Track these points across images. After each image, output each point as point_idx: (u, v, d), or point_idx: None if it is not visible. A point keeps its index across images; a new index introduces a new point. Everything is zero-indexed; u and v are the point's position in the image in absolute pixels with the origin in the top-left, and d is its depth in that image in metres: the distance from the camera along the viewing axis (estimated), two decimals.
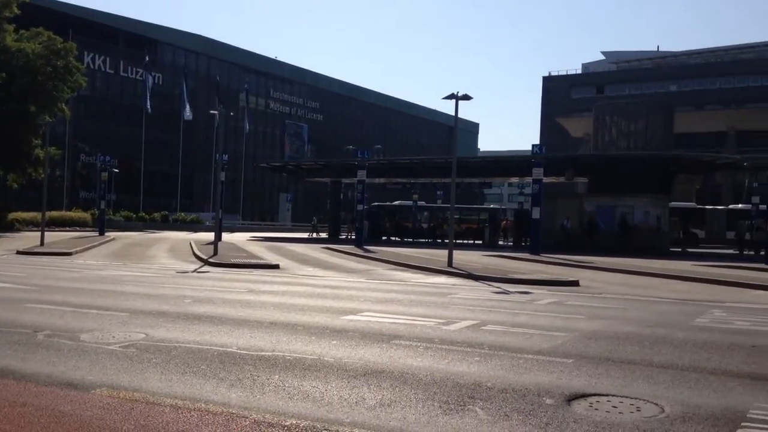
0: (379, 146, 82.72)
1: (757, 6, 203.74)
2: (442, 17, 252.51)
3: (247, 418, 5.11)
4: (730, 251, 38.58)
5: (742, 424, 5.19)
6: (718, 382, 6.59)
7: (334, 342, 8.42)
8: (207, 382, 6.28)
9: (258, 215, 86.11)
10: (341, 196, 55.41)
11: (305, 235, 55.90)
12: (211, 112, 38.43)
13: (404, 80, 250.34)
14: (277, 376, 6.53)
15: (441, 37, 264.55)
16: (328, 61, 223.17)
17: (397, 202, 55.55)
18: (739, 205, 50.68)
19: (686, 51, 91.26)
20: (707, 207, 51.64)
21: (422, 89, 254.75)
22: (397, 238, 48.42)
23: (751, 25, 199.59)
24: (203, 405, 5.43)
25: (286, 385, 6.22)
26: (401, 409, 5.52)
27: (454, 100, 21.77)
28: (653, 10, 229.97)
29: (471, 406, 5.60)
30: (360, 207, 35.78)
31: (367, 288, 15.87)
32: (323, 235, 53.91)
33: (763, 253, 28.66)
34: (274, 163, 63.04)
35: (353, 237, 39.67)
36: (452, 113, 22.57)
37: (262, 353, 7.58)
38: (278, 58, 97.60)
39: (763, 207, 37.32)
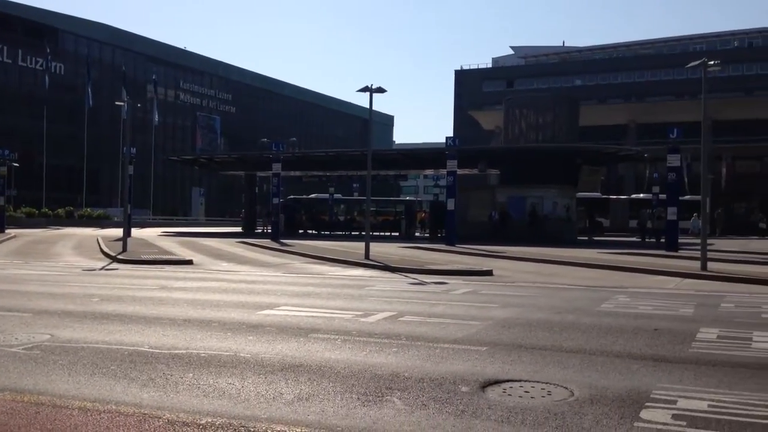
0: (294, 139, 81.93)
1: (654, 3, 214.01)
2: (356, 10, 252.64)
3: (160, 418, 4.96)
4: (633, 239, 40.46)
5: (646, 404, 5.44)
6: (623, 365, 6.89)
7: (251, 337, 8.30)
8: (117, 382, 6.07)
9: (170, 210, 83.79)
10: (256, 190, 54.63)
11: (225, 229, 54.82)
12: (117, 103, 37.02)
13: (319, 73, 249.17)
14: (191, 374, 6.37)
15: (355, 30, 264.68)
16: (241, 53, 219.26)
17: (313, 195, 55.27)
18: (641, 195, 53.27)
19: (590, 47, 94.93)
20: (611, 197, 54.00)
21: (337, 82, 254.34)
22: (313, 232, 48.20)
23: (649, 22, 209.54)
24: (114, 406, 5.24)
25: (201, 383, 6.09)
26: (319, 402, 5.50)
27: (368, 93, 21.81)
28: (559, 5, 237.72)
29: (389, 397, 5.64)
30: (275, 200, 35.39)
31: (283, 282, 15.73)
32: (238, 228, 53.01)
33: (663, 240, 30.17)
34: (185, 156, 61.43)
35: (269, 231, 39.20)
36: (367, 106, 22.62)
37: (176, 351, 7.38)
38: (188, 49, 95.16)
39: (662, 196, 39.26)
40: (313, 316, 10.03)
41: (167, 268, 19.19)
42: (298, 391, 5.81)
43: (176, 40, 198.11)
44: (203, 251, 26.43)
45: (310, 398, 5.61)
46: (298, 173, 50.27)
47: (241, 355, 7.23)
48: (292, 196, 56.45)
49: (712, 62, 18.29)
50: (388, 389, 5.88)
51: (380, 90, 21.79)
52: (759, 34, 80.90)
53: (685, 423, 4.99)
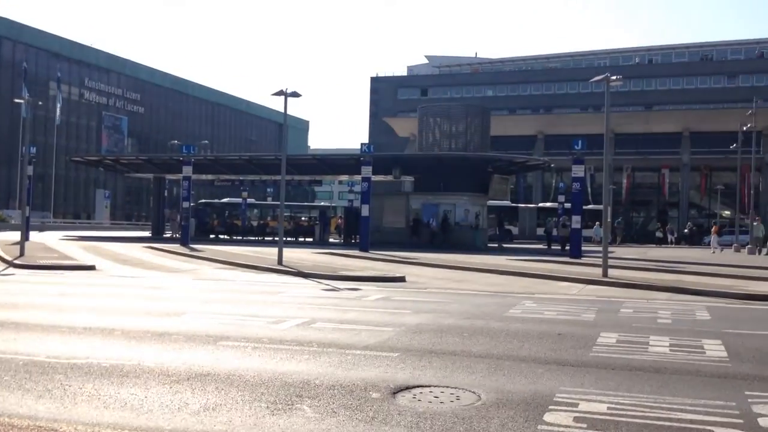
0: (206, 141, 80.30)
1: (562, 18, 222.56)
2: (272, 14, 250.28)
3: (56, 430, 4.72)
4: (540, 246, 41.77)
5: (549, 407, 5.62)
6: (529, 369, 7.09)
7: (156, 346, 8.04)
8: (11, 393, 5.74)
9: (72, 213, 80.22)
10: (165, 193, 53.08)
11: (132, 234, 52.92)
12: (16, 100, 35.17)
13: (233, 76, 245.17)
14: (91, 385, 6.11)
15: (271, 33, 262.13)
16: (151, 52, 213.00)
17: (225, 200, 54.21)
18: (548, 204, 55.12)
19: (501, 58, 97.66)
20: (520, 205, 55.60)
21: (252, 85, 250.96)
22: (226, 237, 47.24)
23: (557, 36, 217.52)
24: (6, 419, 4.95)
25: (102, 393, 5.84)
26: (227, 412, 5.38)
27: (283, 97, 21.61)
28: (473, 17, 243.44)
29: (299, 405, 5.58)
30: (186, 204, 34.47)
31: (192, 288, 15.34)
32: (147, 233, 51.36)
33: (567, 247, 31.28)
34: (89, 157, 58.95)
35: (179, 236, 38.15)
36: (282, 110, 22.40)
37: (75, 361, 7.06)
38: (94, 46, 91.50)
39: (568, 205, 40.76)
40: (223, 323, 9.82)
41: (68, 273, 18.34)
42: (204, 401, 5.67)
43: (82, 37, 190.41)
44: (107, 256, 25.42)
45: (217, 408, 5.48)
46: (210, 177, 49.15)
47: (146, 364, 6.99)
48: (203, 200, 55.18)
49: (614, 77, 19.13)
50: (299, 397, 5.82)
51: (295, 94, 21.64)
52: (659, 50, 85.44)
53: (585, 425, 5.17)
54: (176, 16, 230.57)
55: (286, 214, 47.57)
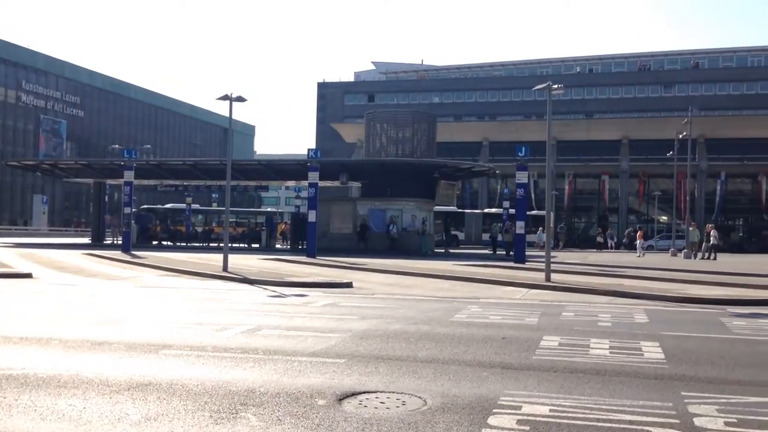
0: (149, 146, 78.75)
1: (506, 26, 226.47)
2: (220, 16, 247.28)
3: None
4: (486, 251, 42.30)
5: (494, 411, 5.69)
6: (474, 373, 7.17)
7: (95, 355, 7.83)
8: None
9: (8, 219, 77.48)
10: (106, 199, 51.79)
11: (71, 240, 51.36)
12: None
13: (177, 79, 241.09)
14: (27, 396, 5.90)
15: (219, 37, 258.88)
16: (91, 54, 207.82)
17: (169, 205, 53.22)
18: (493, 209, 55.91)
19: (447, 66, 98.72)
20: (466, 211, 56.24)
21: (197, 89, 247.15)
22: (169, 243, 46.35)
23: (501, 44, 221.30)
24: None
25: (38, 404, 5.65)
26: (169, 422, 5.27)
27: (228, 101, 21.36)
28: (419, 24, 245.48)
29: (243, 414, 5.52)
30: (127, 210, 33.69)
31: (133, 296, 14.99)
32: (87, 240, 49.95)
33: (512, 252, 31.74)
34: (26, 162, 57.03)
35: (120, 242, 37.23)
36: (227, 114, 22.14)
37: (11, 372, 6.82)
38: (31, 47, 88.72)
39: (512, 211, 41.41)
40: (165, 332, 9.63)
41: (2, 282, 17.69)
42: (145, 411, 5.54)
43: (18, 38, 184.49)
44: (45, 263, 24.64)
45: (158, 418, 5.37)
46: (152, 182, 48.18)
47: (84, 374, 6.80)
48: (146, 206, 54.04)
49: (556, 86, 19.55)
50: (243, 405, 5.75)
51: (240, 99, 21.42)
52: (599, 60, 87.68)
53: (528, 428, 5.26)
54: (118, 18, 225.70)
55: (231, 220, 47.00)
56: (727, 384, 6.87)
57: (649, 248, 54.86)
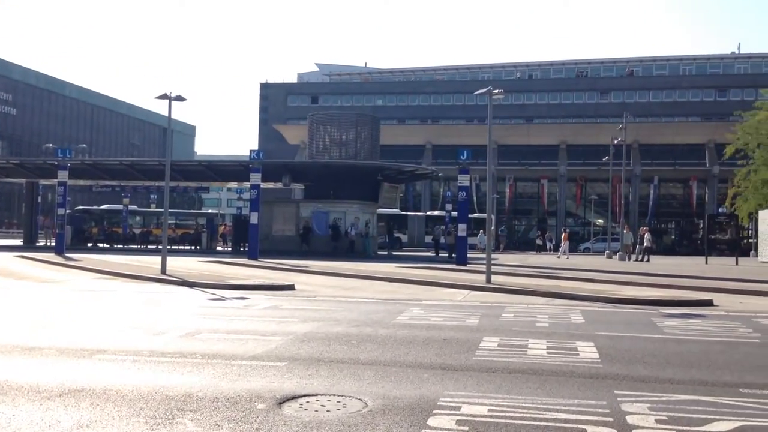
0: (84, 145, 76.47)
1: (449, 30, 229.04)
2: (159, 13, 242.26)
3: None
4: (428, 253, 42.63)
5: (433, 412, 5.74)
6: (415, 375, 7.21)
7: (26, 361, 7.56)
8: None
9: None
10: (39, 199, 50.06)
11: (1, 242, 49.44)
12: None
13: (116, 78, 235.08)
14: None
15: (158, 35, 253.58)
16: (23, 50, 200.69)
17: (105, 206, 51.83)
18: (435, 212, 56.42)
19: (390, 69, 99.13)
20: (409, 213, 56.59)
21: (136, 88, 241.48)
22: (106, 245, 45.14)
23: (444, 48, 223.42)
24: None
25: None
26: (102, 428, 5.13)
27: (167, 101, 20.94)
28: (363, 27, 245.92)
29: (180, 419, 5.41)
30: (61, 211, 32.66)
31: (67, 299, 14.53)
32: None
33: (454, 255, 32.08)
34: None
35: (53, 244, 36.04)
36: (166, 114, 21.70)
37: None
38: None
39: (454, 213, 41.85)
40: (99, 336, 9.37)
41: None
42: (78, 418, 5.38)
43: None
44: None
45: (91, 425, 5.22)
46: (88, 182, 46.82)
47: (14, 380, 6.56)
48: (81, 207, 52.51)
49: (496, 91, 19.87)
50: (180, 411, 5.64)
51: (180, 98, 21.02)
52: (538, 67, 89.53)
53: (467, 428, 5.32)
54: (54, 14, 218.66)
55: (171, 221, 46.08)
56: (658, 382, 7.10)
57: (586, 250, 56.36)
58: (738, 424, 5.53)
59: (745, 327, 11.49)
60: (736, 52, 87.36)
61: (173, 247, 38.84)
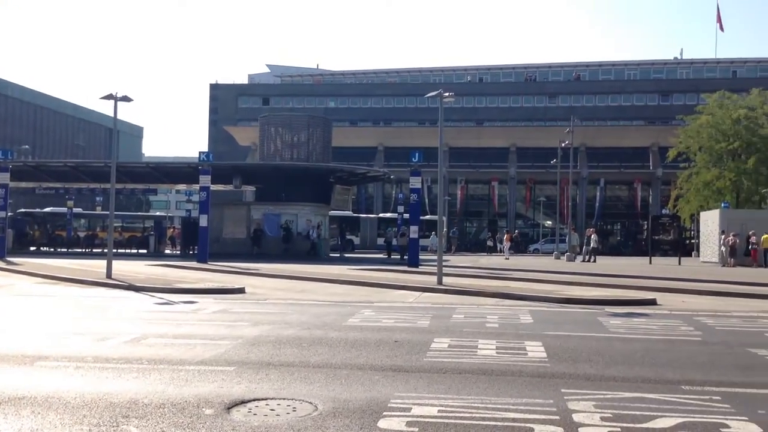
0: (27, 147, 74.20)
1: (400, 32, 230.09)
2: (106, 12, 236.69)
3: None
4: (381, 255, 42.70)
5: (384, 413, 5.74)
6: (366, 377, 7.21)
7: None
8: None
9: None
10: None
11: None
12: None
13: (60, 78, 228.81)
14: None
15: (104, 34, 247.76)
16: None
17: (48, 209, 50.39)
18: (388, 214, 56.57)
19: (342, 71, 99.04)
20: (361, 215, 56.61)
21: (82, 88, 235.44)
22: (49, 249, 43.89)
23: (396, 50, 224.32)
24: None
25: None
26: None
27: (113, 101, 20.48)
28: (314, 28, 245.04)
29: (125, 426, 5.30)
30: (2, 214, 31.64)
31: (6, 305, 14.09)
32: None
33: (406, 256, 32.19)
34: None
35: None
36: (112, 114, 21.22)
37: None
38: None
39: (406, 215, 42.05)
40: (41, 342, 9.10)
41: None
42: (18, 426, 5.22)
43: None
44: None
45: None
46: (31, 185, 45.43)
47: None
48: (23, 210, 50.90)
49: (447, 94, 20.04)
50: (125, 418, 5.52)
51: (126, 99, 20.59)
52: (488, 70, 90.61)
53: (417, 429, 5.34)
54: None
55: (117, 224, 45.08)
56: (603, 380, 7.26)
57: (535, 251, 57.27)
58: (679, 420, 5.69)
59: (687, 326, 11.83)
60: (679, 57, 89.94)
61: (120, 250, 38.04)
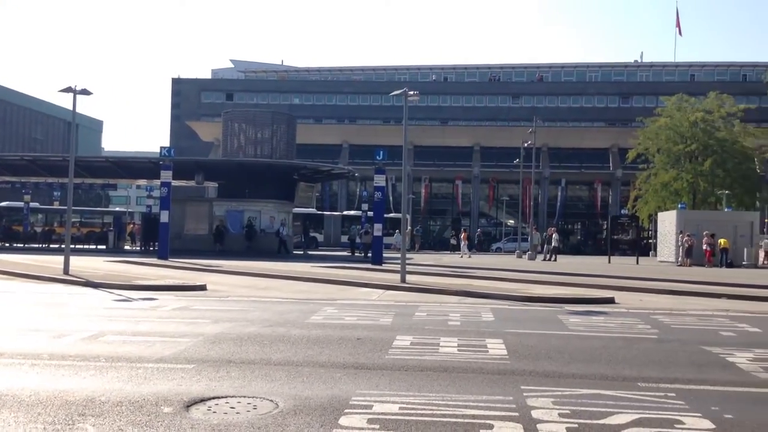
0: None
1: (366, 30, 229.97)
2: (67, 4, 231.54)
3: None
4: (344, 253, 42.65)
5: (345, 411, 5.74)
6: (327, 375, 7.19)
7: None
8: None
9: None
10: None
11: None
12: None
13: (18, 70, 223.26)
14: None
15: (64, 26, 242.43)
16: None
17: (4, 204, 49.18)
18: (352, 212, 56.53)
19: (307, 68, 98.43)
20: (325, 213, 56.46)
21: (40, 81, 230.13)
22: (5, 244, 42.83)
23: (361, 48, 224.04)
24: None
25: None
26: None
27: (72, 94, 20.06)
28: (279, 24, 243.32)
29: (81, 425, 5.20)
30: None
31: None
32: None
33: (369, 254, 32.20)
34: None
35: None
36: (71, 108, 20.78)
37: None
38: None
39: (370, 213, 42.07)
40: None
41: None
42: None
43: None
44: None
45: None
46: None
47: None
48: None
49: (412, 92, 20.09)
50: (81, 416, 5.42)
51: (86, 92, 20.18)
52: (453, 70, 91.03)
53: (378, 426, 5.35)
54: None
55: (75, 219, 44.22)
56: (562, 377, 7.36)
57: (498, 250, 57.79)
58: (635, 416, 5.80)
59: (644, 324, 12.06)
60: (639, 60, 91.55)
61: (78, 246, 37.29)
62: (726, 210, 41.40)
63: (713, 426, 5.58)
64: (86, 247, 41.71)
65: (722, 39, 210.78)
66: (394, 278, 19.86)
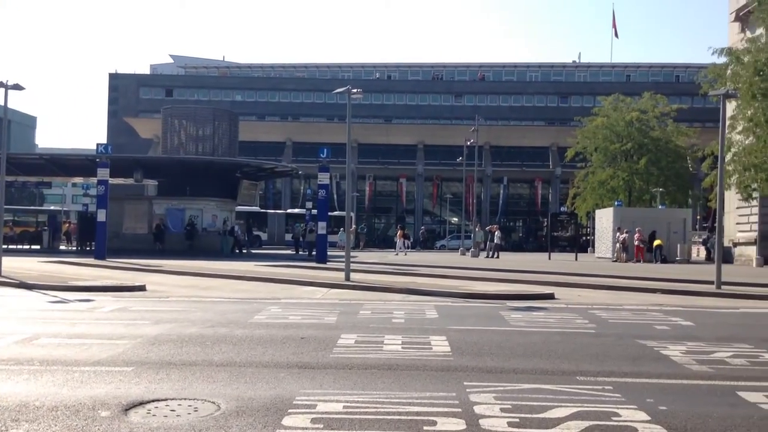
0: None
1: (308, 27, 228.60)
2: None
3: None
4: (289, 251, 42.36)
5: (289, 411, 5.70)
6: (271, 375, 7.13)
7: None
8: None
9: None
10: None
11: None
12: None
13: None
14: None
15: None
16: None
17: None
18: (296, 210, 56.19)
19: (249, 64, 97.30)
20: (269, 211, 55.97)
21: None
22: None
23: (304, 45, 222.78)
24: None
25: None
26: None
27: (3, 89, 19.31)
28: (220, 19, 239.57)
29: (14, 431, 5.02)
30: None
31: None
32: None
33: (314, 253, 32.04)
34: None
35: None
36: (2, 103, 20.00)
37: None
38: None
39: (314, 211, 41.89)
40: None
41: None
42: None
43: None
44: None
45: None
46: None
47: None
48: None
49: (355, 90, 20.07)
50: (14, 422, 5.24)
51: (18, 87, 19.45)
52: (396, 68, 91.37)
53: (322, 426, 5.34)
54: None
55: (8, 218, 42.63)
56: (504, 373, 7.48)
57: (442, 248, 58.36)
58: (574, 410, 5.93)
59: (582, 318, 12.37)
60: (577, 61, 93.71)
61: (11, 246, 36.00)
62: (660, 207, 42.77)
63: (648, 417, 5.75)
64: (20, 247, 40.33)
65: (657, 41, 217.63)
66: (339, 276, 19.83)
